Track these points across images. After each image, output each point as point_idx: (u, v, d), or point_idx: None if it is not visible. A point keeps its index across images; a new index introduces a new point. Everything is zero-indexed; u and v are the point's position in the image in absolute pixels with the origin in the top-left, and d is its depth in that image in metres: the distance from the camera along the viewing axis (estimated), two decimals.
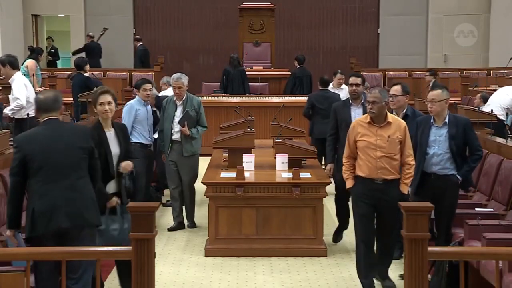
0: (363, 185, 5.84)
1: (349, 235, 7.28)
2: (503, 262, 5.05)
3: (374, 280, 6.06)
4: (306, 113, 10.11)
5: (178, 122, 8.00)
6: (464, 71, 16.09)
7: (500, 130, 9.16)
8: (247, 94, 14.07)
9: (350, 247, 7.25)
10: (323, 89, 10.21)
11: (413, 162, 5.85)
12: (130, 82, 15.47)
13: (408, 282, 3.61)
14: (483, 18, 18.97)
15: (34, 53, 13.89)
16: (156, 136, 8.54)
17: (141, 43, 17.55)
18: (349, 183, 5.97)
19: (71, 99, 11.95)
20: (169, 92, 9.49)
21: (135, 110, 8.23)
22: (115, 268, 6.11)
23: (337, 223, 7.61)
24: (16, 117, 8.41)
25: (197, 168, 8.27)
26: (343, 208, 7.39)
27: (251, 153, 7.74)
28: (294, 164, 7.37)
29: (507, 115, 10.07)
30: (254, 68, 15.50)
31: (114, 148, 5.66)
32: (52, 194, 4.69)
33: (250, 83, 14.52)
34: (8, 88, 8.76)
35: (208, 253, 7.15)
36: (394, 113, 6.47)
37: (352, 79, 7.28)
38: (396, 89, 6.58)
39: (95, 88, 11.19)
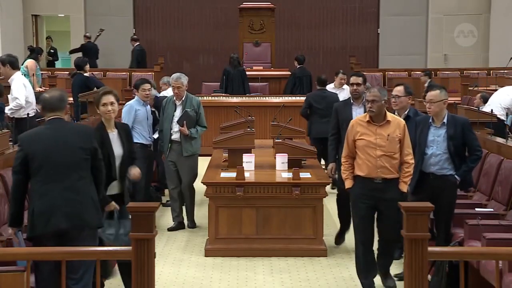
0: (362, 185, 5.83)
1: (349, 235, 7.27)
2: (503, 262, 5.05)
3: (375, 278, 6.07)
4: (304, 113, 10.11)
5: (177, 121, 8.00)
6: (464, 71, 16.10)
7: (500, 130, 9.15)
8: (247, 94, 14.07)
9: (350, 247, 7.24)
10: (320, 89, 10.21)
11: (412, 161, 5.84)
12: (130, 82, 15.47)
13: (408, 282, 3.61)
14: (483, 18, 18.97)
15: (34, 53, 13.89)
16: (156, 136, 8.54)
17: (138, 43, 17.51)
18: (348, 184, 5.95)
19: (71, 99, 11.94)
20: (169, 92, 9.49)
21: (134, 111, 8.23)
22: (116, 268, 6.10)
23: (337, 223, 7.61)
24: (15, 117, 8.42)
25: (196, 168, 8.27)
26: (344, 208, 7.37)
27: (251, 153, 7.74)
28: (294, 164, 7.37)
29: (507, 115, 10.07)
30: (254, 68, 15.50)
31: (117, 149, 5.66)
32: (52, 194, 4.68)
33: (250, 83, 14.52)
34: (8, 88, 8.76)
35: (208, 253, 7.15)
36: (396, 114, 6.47)
37: (353, 79, 7.28)
38: (399, 89, 6.57)
39: (95, 88, 11.24)
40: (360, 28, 19.23)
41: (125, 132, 5.83)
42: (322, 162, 9.34)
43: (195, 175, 8.26)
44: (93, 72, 13.58)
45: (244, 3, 16.24)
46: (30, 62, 12.30)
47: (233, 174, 7.20)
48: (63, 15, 20.01)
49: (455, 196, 6.18)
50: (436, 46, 19.16)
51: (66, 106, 4.97)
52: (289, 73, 15.08)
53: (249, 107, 11.65)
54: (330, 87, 10.88)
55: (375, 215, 5.96)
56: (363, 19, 19.24)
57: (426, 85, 13.36)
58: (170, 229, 8.14)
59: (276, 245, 7.11)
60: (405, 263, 3.62)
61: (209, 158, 8.52)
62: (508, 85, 12.18)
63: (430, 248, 3.63)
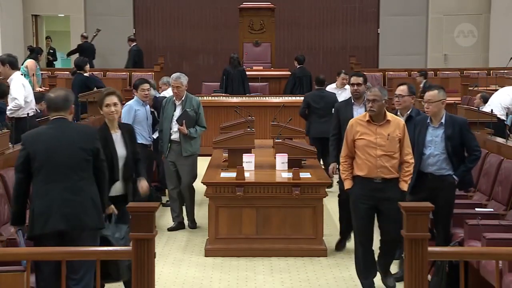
0: (362, 185, 5.81)
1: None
2: (503, 262, 5.05)
3: (376, 277, 6.06)
4: (302, 113, 10.11)
5: (176, 120, 7.99)
6: (464, 71, 16.09)
7: (500, 130, 9.15)
8: (247, 94, 14.08)
9: (350, 247, 7.23)
10: (319, 89, 10.22)
11: (412, 161, 5.83)
12: (130, 82, 15.46)
13: (408, 282, 3.61)
14: (483, 18, 18.97)
15: (34, 53, 13.90)
16: (155, 136, 8.54)
17: (135, 43, 17.48)
18: (347, 184, 5.93)
19: None
20: (168, 92, 9.49)
21: (134, 111, 8.23)
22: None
23: (337, 223, 7.57)
24: (15, 117, 8.41)
25: (196, 169, 8.26)
26: (345, 212, 7.24)
27: (251, 153, 7.74)
28: (294, 164, 7.37)
29: (507, 115, 10.07)
30: (254, 68, 15.50)
31: (120, 149, 5.65)
32: (51, 194, 4.68)
33: (250, 83, 14.53)
34: (8, 89, 8.77)
35: (208, 253, 7.15)
36: (398, 113, 6.47)
37: (354, 79, 7.28)
38: (402, 89, 6.56)
39: (95, 88, 11.25)
40: (360, 28, 19.23)
41: (129, 132, 5.82)
42: (322, 162, 9.34)
43: (194, 175, 8.25)
44: (93, 72, 13.57)
45: (244, 3, 16.24)
46: (30, 62, 12.30)
47: (233, 174, 7.20)
48: (63, 15, 20.01)
49: (453, 196, 6.17)
50: (436, 46, 19.15)
51: (71, 106, 4.93)
52: (289, 73, 15.08)
53: (249, 107, 11.66)
54: (331, 87, 10.89)
55: (375, 215, 5.95)
56: (363, 19, 19.23)
57: (421, 85, 13.39)
58: (170, 229, 8.14)
59: (276, 245, 7.11)
60: (405, 263, 3.62)
61: (209, 158, 8.52)
62: (508, 85, 12.18)
63: (430, 248, 3.63)
